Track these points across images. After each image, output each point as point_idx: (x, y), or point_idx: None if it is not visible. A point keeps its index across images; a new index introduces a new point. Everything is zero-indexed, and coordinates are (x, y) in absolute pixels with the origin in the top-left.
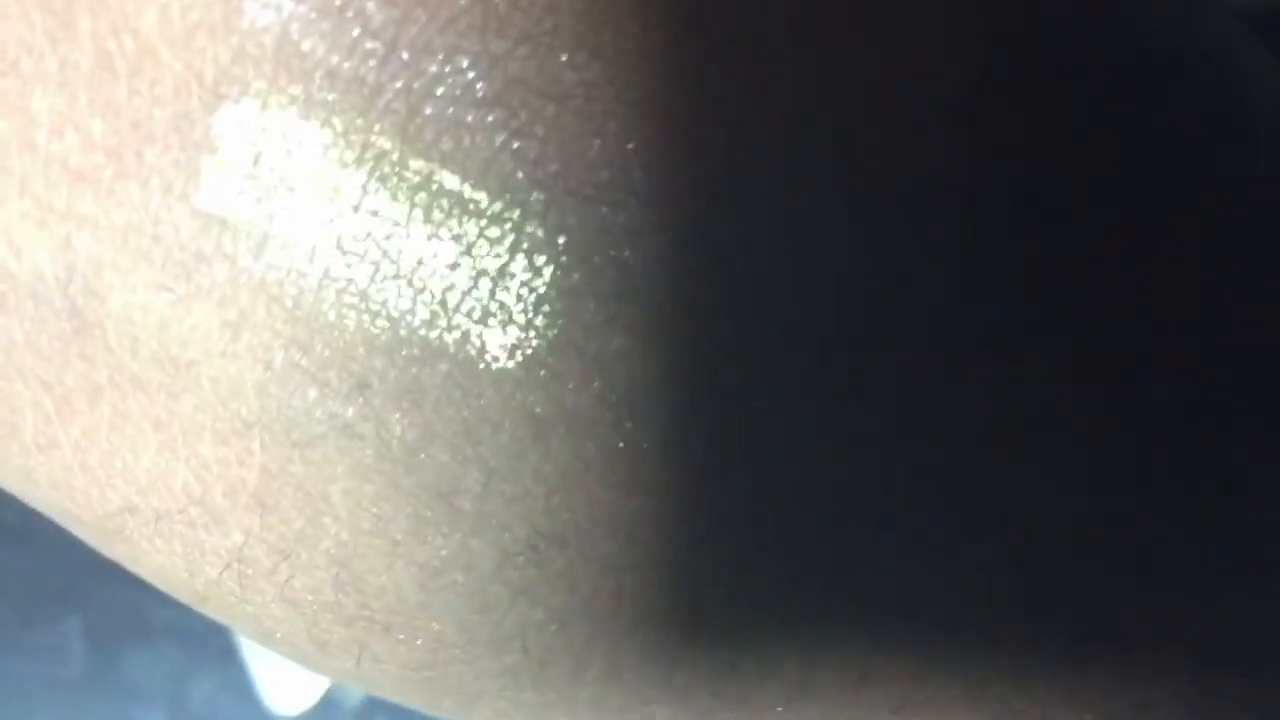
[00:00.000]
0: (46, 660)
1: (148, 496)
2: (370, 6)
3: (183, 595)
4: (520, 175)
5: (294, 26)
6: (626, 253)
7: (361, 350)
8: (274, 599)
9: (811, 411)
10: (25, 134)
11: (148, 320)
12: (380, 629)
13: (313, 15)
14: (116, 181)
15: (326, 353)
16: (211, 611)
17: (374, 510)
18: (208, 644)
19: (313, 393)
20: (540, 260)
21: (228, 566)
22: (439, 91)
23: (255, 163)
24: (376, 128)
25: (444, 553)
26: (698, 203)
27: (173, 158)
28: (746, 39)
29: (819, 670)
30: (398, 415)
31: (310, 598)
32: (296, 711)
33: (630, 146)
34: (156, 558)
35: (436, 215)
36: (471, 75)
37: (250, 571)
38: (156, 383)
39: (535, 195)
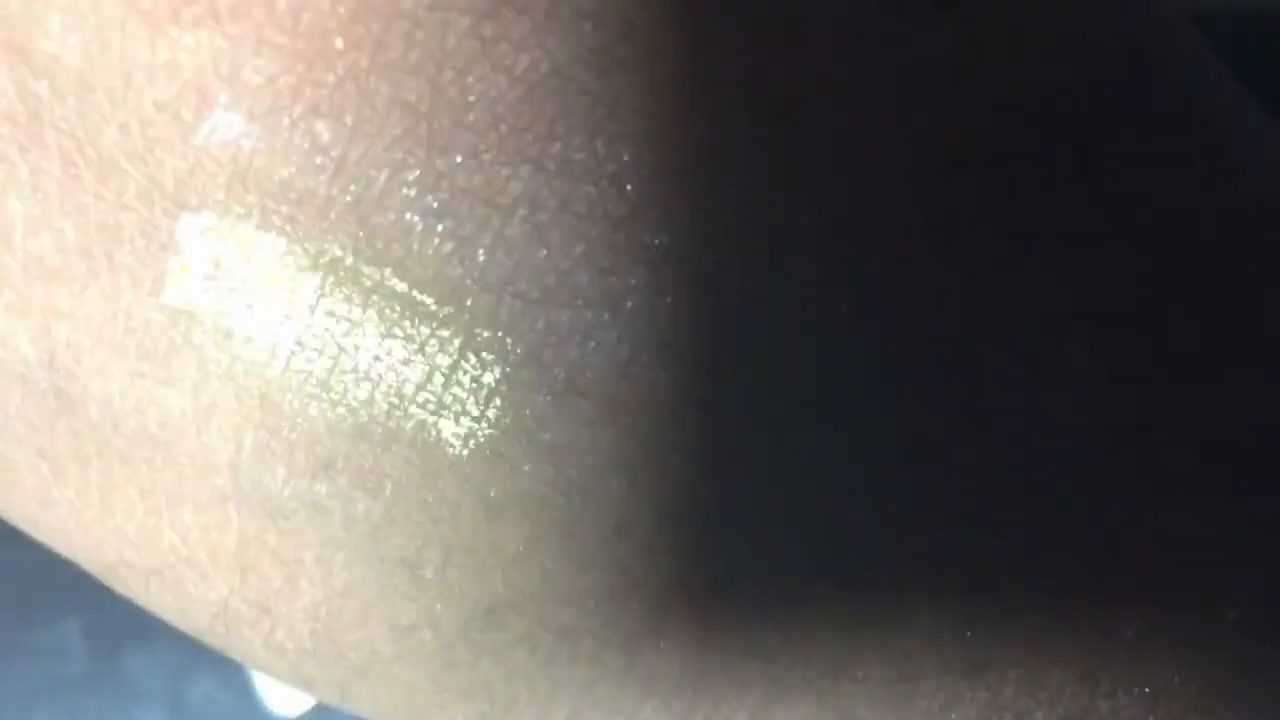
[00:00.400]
0: (46, 660)
1: (139, 553)
2: (319, 126)
3: (183, 630)
4: (468, 281)
5: (245, 144)
6: (574, 351)
7: (325, 435)
8: (259, 645)
9: (759, 493)
10: (3, 233)
11: (125, 404)
12: (358, 675)
13: (264, 133)
14: (89, 278)
15: (293, 436)
16: (209, 644)
17: (345, 575)
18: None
19: (281, 471)
20: (489, 358)
21: (215, 616)
22: (388, 203)
23: (216, 265)
24: (329, 236)
25: (412, 615)
26: (642, 303)
27: (139, 258)
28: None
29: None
30: (361, 494)
31: (291, 645)
32: (296, 712)
33: (577, 252)
34: (153, 604)
35: (389, 316)
36: (419, 189)
37: (235, 622)
38: (139, 457)
39: (484, 299)
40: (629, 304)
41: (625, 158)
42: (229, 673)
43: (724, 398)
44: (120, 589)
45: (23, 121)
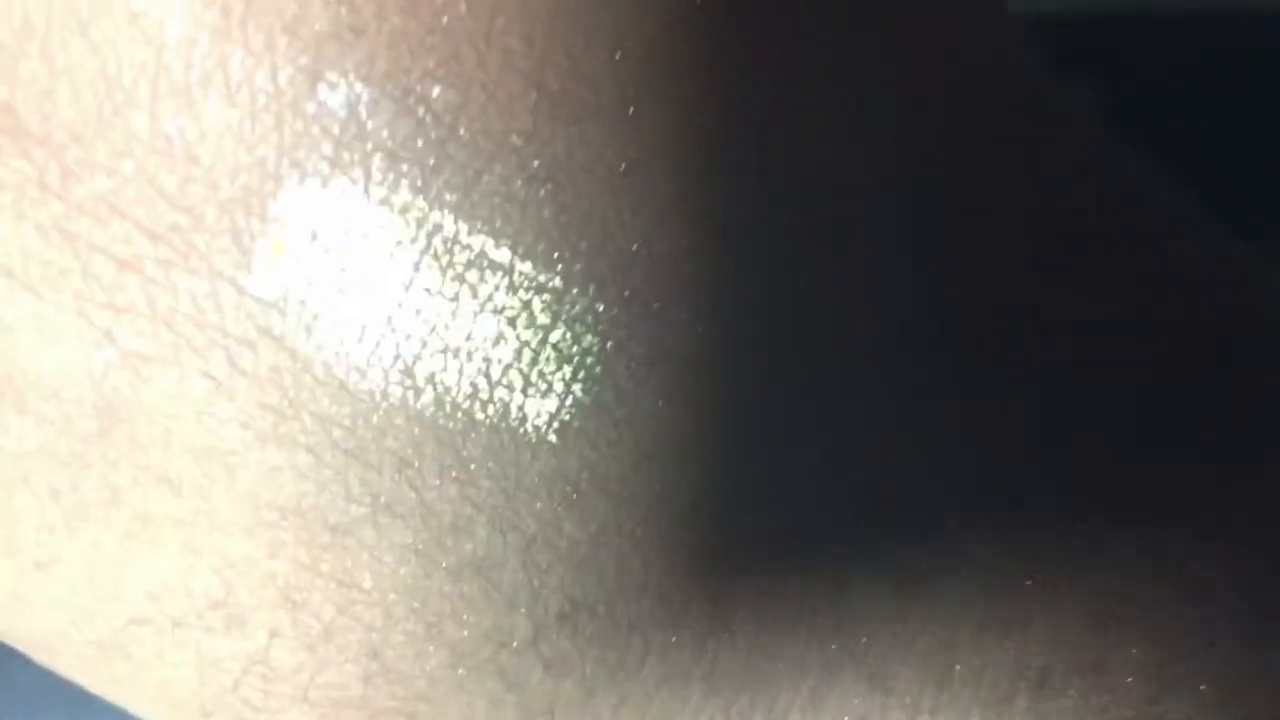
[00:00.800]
0: None
1: (162, 603)
2: (434, 90)
3: (184, 712)
4: (565, 246)
5: (360, 108)
6: (658, 319)
7: (404, 427)
8: (293, 700)
9: (822, 466)
10: (65, 223)
11: (184, 410)
12: (405, 717)
13: (378, 97)
14: (162, 268)
15: (369, 432)
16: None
17: (409, 594)
18: None
19: (354, 473)
20: (579, 329)
21: (246, 671)
22: (495, 169)
23: (311, 243)
24: (435, 205)
25: (479, 631)
26: (727, 267)
27: (224, 241)
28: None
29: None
30: (439, 490)
31: (335, 694)
32: None
33: (664, 218)
34: (163, 672)
35: (484, 290)
36: (525, 153)
37: (271, 673)
38: (187, 478)
39: (577, 265)
40: (704, 271)
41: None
42: None
43: (789, 367)
44: (118, 668)
45: (118, 91)
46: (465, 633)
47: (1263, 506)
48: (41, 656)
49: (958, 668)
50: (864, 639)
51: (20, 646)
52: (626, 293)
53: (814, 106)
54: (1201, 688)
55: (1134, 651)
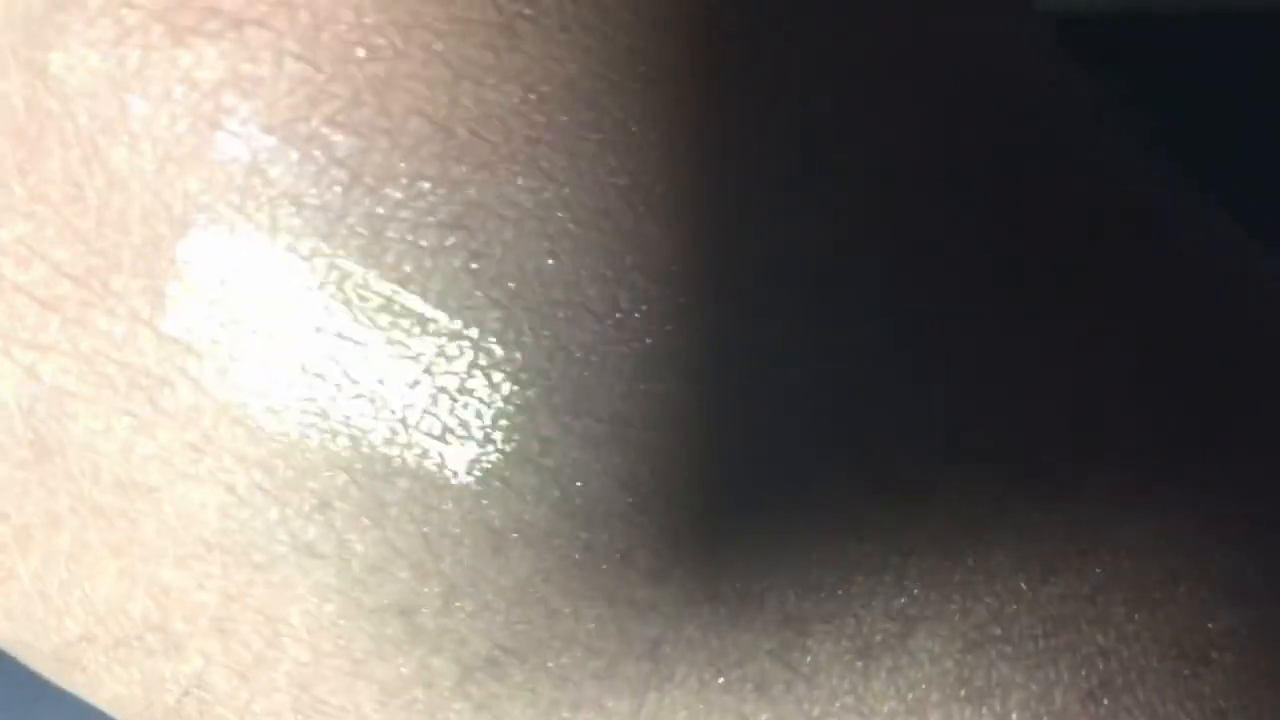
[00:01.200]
0: None
1: (106, 624)
2: (336, 136)
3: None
4: (479, 294)
5: (262, 156)
6: (583, 368)
7: (323, 469)
8: None
9: (774, 511)
10: None
11: (109, 446)
12: None
13: (280, 145)
14: (82, 309)
15: (289, 473)
16: None
17: (334, 631)
18: None
19: (274, 513)
20: (497, 377)
21: (186, 693)
22: (401, 215)
23: (221, 287)
24: (341, 251)
25: (404, 670)
26: (650, 315)
27: (139, 284)
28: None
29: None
30: (359, 533)
31: None
32: None
33: (587, 263)
34: (115, 687)
35: (397, 335)
36: (433, 199)
37: (209, 697)
38: (117, 509)
39: (493, 314)
40: (636, 316)
41: (634, 170)
42: None
43: (733, 413)
44: (76, 677)
45: (29, 139)
46: (392, 672)
47: None
48: (19, 655)
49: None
50: (823, 701)
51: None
52: (548, 339)
53: (758, 139)
54: None
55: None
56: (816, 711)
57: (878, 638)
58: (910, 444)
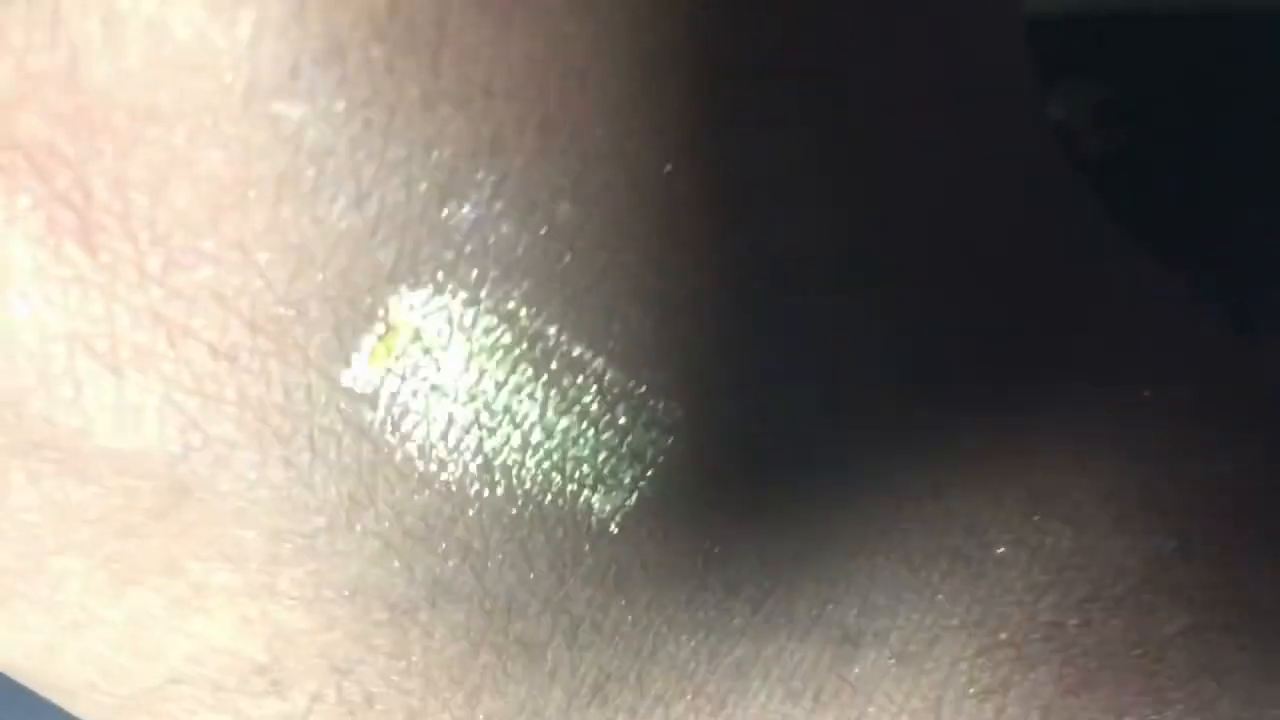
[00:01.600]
0: None
1: (204, 667)
2: (560, 208)
3: None
4: (657, 358)
5: (485, 222)
6: (726, 429)
7: (474, 516)
8: None
9: None
10: (161, 308)
11: (262, 494)
12: None
13: (505, 212)
14: (256, 358)
15: (440, 521)
16: None
17: (454, 667)
18: None
19: (420, 559)
20: (656, 433)
21: None
22: (604, 286)
23: (412, 343)
24: (544, 315)
25: (515, 700)
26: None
27: (324, 337)
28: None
29: None
30: (498, 575)
31: None
32: None
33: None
34: None
35: (573, 393)
36: (637, 273)
37: None
38: (252, 554)
39: (661, 375)
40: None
41: None
42: None
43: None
44: (131, 715)
45: (241, 187)
46: (502, 703)
47: None
48: (58, 699)
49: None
50: (861, 703)
51: (37, 689)
52: (707, 405)
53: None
54: None
55: (1099, 716)
56: (855, 714)
57: (912, 648)
58: (940, 484)
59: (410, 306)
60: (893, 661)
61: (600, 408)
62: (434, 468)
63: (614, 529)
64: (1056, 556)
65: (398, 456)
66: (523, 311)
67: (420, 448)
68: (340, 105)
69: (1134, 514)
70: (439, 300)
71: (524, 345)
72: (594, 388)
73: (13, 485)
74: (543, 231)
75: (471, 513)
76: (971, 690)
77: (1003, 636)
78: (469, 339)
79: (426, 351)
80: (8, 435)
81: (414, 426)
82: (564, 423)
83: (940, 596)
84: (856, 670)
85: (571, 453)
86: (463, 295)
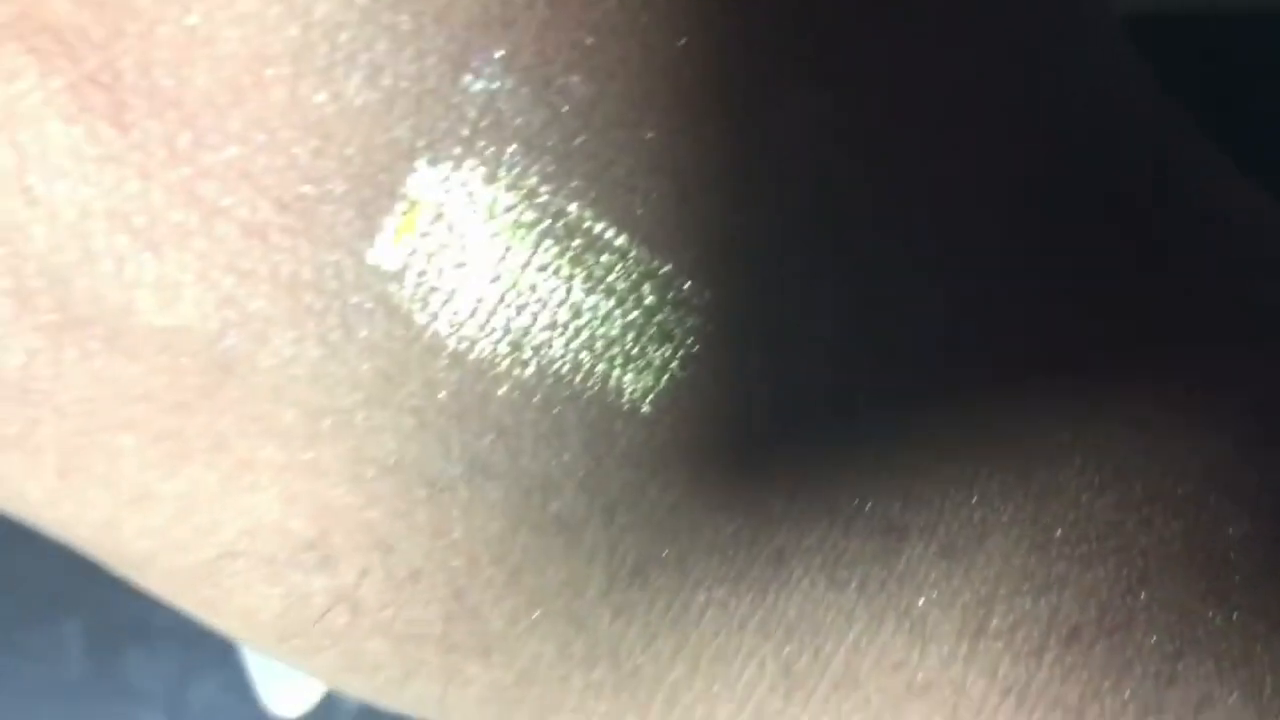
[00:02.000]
0: (45, 661)
1: (257, 541)
2: (574, 81)
3: (262, 635)
4: (681, 235)
5: (500, 97)
6: (757, 301)
7: (507, 394)
8: (372, 634)
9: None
10: (193, 186)
11: (298, 371)
12: (480, 654)
13: (518, 87)
14: (286, 236)
15: (473, 399)
16: (287, 652)
17: (495, 545)
18: (208, 645)
19: (454, 436)
20: (684, 312)
21: (333, 606)
22: (624, 160)
23: (435, 221)
24: (561, 192)
25: (556, 580)
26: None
27: (349, 214)
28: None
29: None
30: (533, 454)
31: (416, 630)
32: (296, 713)
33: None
34: (250, 600)
35: (598, 272)
36: (655, 148)
37: (358, 608)
38: (294, 431)
39: (690, 253)
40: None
41: None
42: (229, 674)
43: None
44: (203, 592)
45: (260, 64)
46: (543, 581)
47: None
48: (128, 573)
49: (994, 622)
50: (910, 595)
51: (107, 563)
52: (735, 286)
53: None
54: (1222, 646)
55: (1159, 614)
56: (904, 605)
57: (960, 541)
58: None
59: (430, 183)
60: (940, 555)
61: (627, 286)
62: (464, 346)
63: (646, 409)
64: (1113, 456)
65: (427, 334)
66: (543, 188)
67: (449, 325)
68: None
69: (1195, 417)
70: (458, 176)
71: (546, 222)
72: (619, 266)
73: (66, 362)
74: (557, 106)
75: (503, 391)
76: (1025, 586)
77: (1058, 534)
78: (490, 216)
79: (450, 229)
80: (59, 312)
81: (442, 304)
82: (590, 301)
83: (990, 492)
84: (904, 562)
85: (600, 331)
86: (481, 171)
